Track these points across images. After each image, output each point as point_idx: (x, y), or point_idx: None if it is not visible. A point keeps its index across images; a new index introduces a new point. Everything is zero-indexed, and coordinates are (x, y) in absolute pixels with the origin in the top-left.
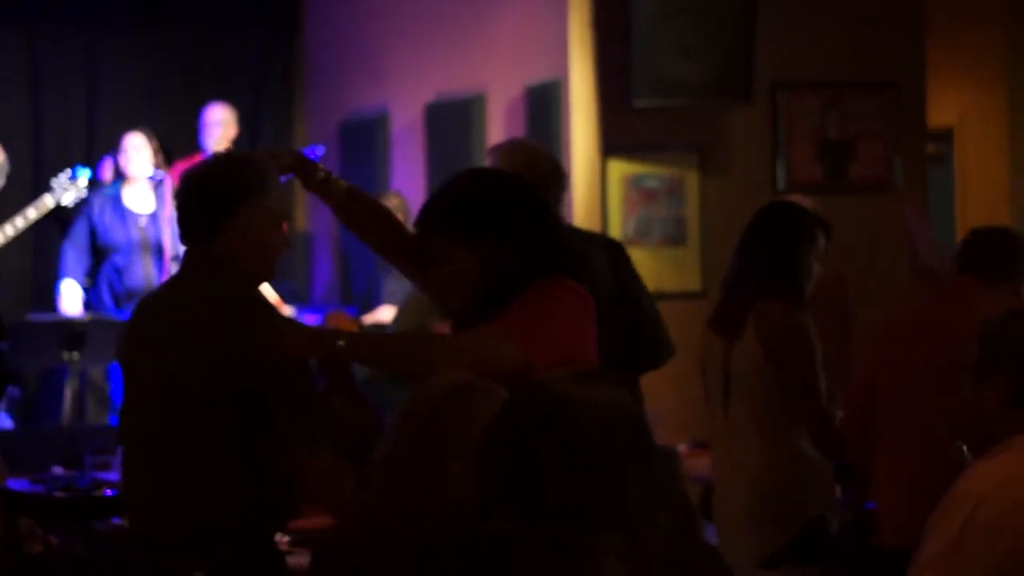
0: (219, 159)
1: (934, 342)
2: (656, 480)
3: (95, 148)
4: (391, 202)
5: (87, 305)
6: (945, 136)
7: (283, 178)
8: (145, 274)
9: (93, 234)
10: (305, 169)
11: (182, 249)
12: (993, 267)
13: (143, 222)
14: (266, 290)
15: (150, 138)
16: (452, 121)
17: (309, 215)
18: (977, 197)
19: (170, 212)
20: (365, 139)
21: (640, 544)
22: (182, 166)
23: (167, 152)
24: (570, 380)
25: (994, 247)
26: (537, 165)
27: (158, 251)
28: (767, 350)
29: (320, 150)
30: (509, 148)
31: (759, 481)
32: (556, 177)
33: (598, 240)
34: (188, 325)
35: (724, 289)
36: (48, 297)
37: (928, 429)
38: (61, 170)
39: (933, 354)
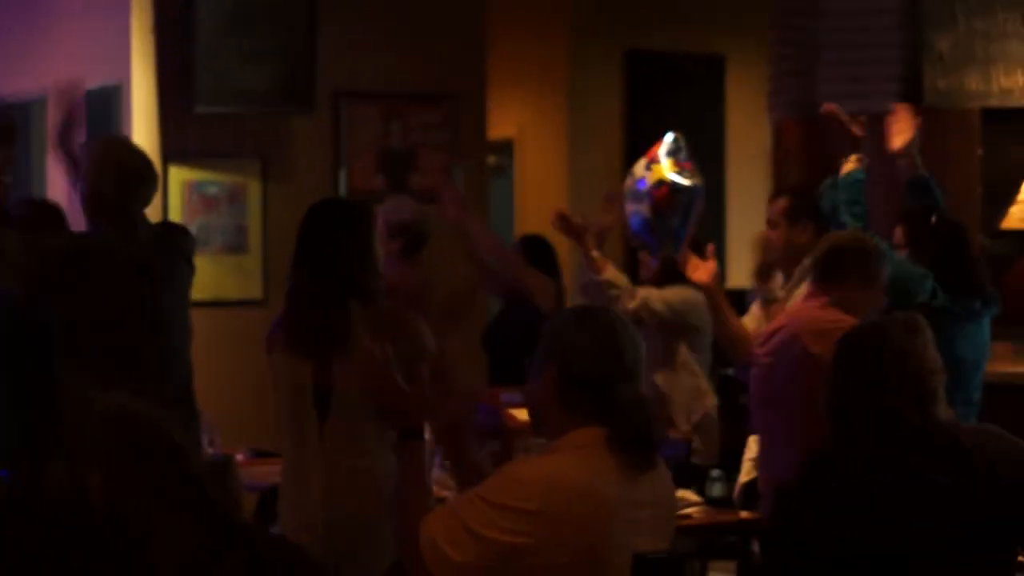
0: None
1: None
2: (189, 492)
3: None
4: None
5: None
6: (506, 147)
7: None
8: None
9: None
10: None
11: None
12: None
13: None
14: None
15: None
16: (13, 124)
17: None
18: (536, 207)
19: None
20: None
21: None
22: None
23: None
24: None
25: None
26: (129, 161)
27: None
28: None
29: None
30: (102, 143)
31: (344, 493)
32: (148, 175)
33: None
34: None
35: (297, 306)
36: None
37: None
38: None
39: None
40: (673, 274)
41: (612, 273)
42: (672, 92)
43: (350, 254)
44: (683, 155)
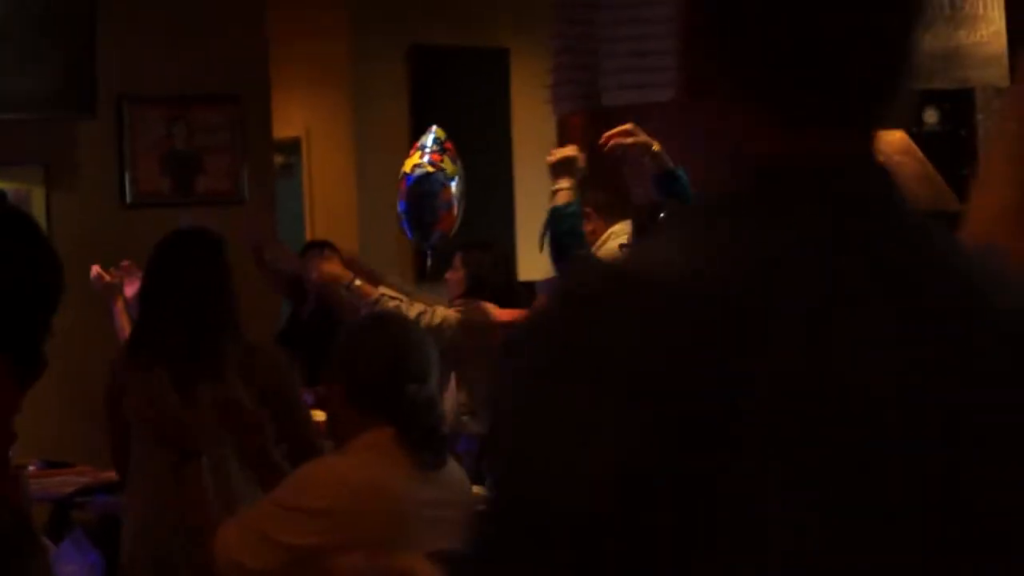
0: None
1: None
2: None
3: None
4: None
5: None
6: (293, 146)
7: None
8: None
9: None
10: None
11: None
12: None
13: None
14: None
15: None
16: None
17: None
18: (325, 205)
19: None
20: None
21: None
22: None
23: None
24: None
25: None
26: None
27: None
28: (260, 389)
29: None
30: None
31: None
32: None
33: None
34: None
35: (165, 338)
36: None
37: None
38: None
39: None
40: (476, 292)
41: (384, 289)
42: (457, 87)
43: (212, 286)
44: (434, 147)
